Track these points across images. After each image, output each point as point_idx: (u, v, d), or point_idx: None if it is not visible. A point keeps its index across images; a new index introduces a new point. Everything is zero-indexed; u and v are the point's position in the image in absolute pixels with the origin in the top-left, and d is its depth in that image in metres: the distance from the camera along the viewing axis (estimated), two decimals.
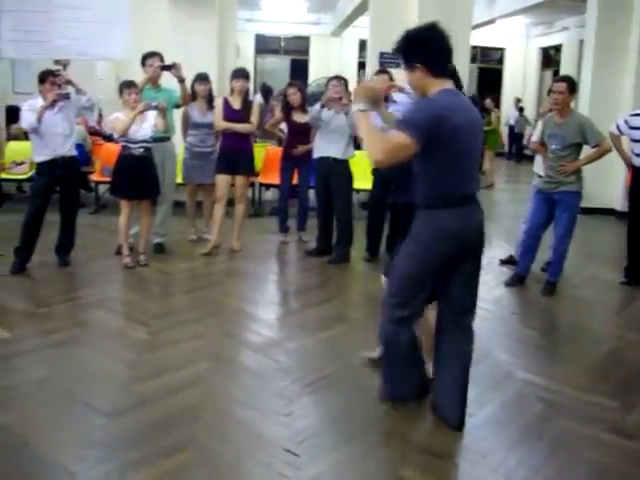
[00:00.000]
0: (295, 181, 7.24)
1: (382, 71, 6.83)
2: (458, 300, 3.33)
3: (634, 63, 9.45)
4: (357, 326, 4.93)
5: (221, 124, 6.53)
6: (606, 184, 9.43)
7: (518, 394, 3.86)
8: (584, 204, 5.91)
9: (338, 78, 6.57)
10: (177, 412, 3.45)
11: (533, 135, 6.54)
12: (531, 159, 7.92)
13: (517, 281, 6.00)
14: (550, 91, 5.79)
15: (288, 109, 7.04)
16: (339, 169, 6.54)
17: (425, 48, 3.15)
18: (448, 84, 3.17)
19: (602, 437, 3.40)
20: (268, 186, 9.11)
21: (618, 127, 6.14)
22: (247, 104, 6.61)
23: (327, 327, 4.85)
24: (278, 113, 7.57)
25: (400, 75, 4.00)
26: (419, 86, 3.22)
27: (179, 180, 7.12)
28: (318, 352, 4.41)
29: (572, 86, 5.58)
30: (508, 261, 6.63)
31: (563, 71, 14.93)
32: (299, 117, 6.96)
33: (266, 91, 11.96)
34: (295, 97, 6.96)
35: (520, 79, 19.39)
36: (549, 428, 3.48)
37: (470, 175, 3.24)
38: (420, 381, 3.54)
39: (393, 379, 3.53)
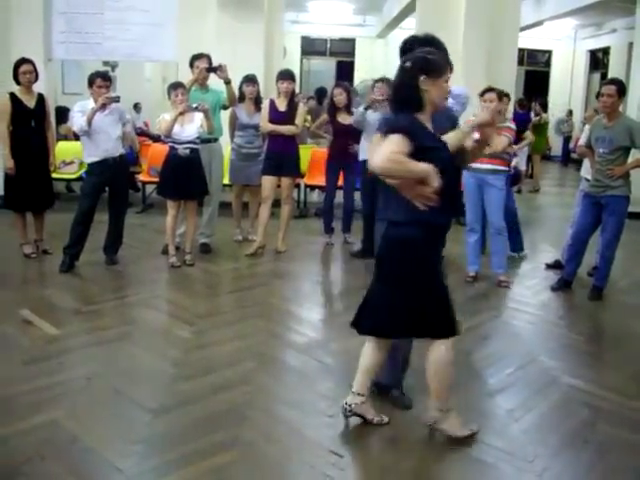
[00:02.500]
0: (341, 182, 7.26)
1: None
2: None
3: None
4: None
5: (267, 126, 6.58)
6: None
7: (564, 399, 3.81)
8: (632, 209, 5.80)
9: (383, 80, 6.56)
10: (222, 411, 3.49)
11: (580, 138, 6.45)
12: (578, 163, 7.81)
13: (563, 285, 5.92)
14: (599, 94, 5.70)
15: (333, 110, 7.06)
16: None
17: None
18: None
19: None
20: (313, 187, 9.15)
21: None
22: (293, 106, 6.64)
23: None
24: (324, 115, 7.60)
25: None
26: None
27: (226, 181, 7.19)
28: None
29: (621, 89, 5.50)
30: (554, 265, 6.55)
31: (611, 74, 14.65)
32: (344, 118, 6.97)
33: (320, 94, 12.00)
34: (340, 98, 6.98)
35: (567, 82, 19.08)
36: (595, 434, 3.43)
37: None
38: None
39: None
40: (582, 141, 6.11)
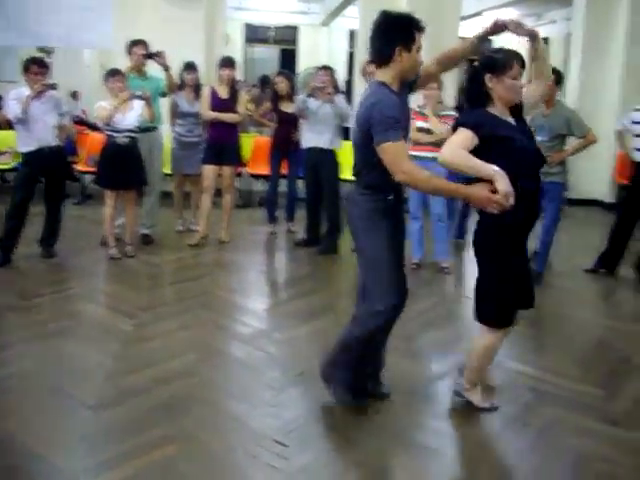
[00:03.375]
0: (284, 171, 7.21)
1: (372, 61, 6.80)
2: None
3: (621, 55, 9.44)
4: (346, 316, 4.82)
5: (208, 114, 6.47)
6: (592, 176, 9.41)
7: (507, 383, 3.86)
8: (571, 195, 5.93)
9: (325, 68, 6.53)
10: (165, 404, 3.43)
11: None
12: None
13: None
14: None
15: (276, 98, 6.99)
16: (327, 159, 6.51)
17: None
18: None
19: (588, 424, 3.42)
20: (257, 176, 9.08)
21: (623, 124, 6.18)
22: (234, 93, 6.55)
23: (316, 317, 4.83)
24: (267, 103, 7.53)
25: None
26: None
27: (166, 170, 7.07)
28: (307, 342, 4.40)
29: (558, 78, 5.61)
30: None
31: (551, 63, 14.89)
32: (286, 106, 6.93)
33: (263, 82, 11.88)
34: (282, 86, 6.92)
35: None
36: (536, 416, 3.50)
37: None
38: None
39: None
40: None
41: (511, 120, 3.19)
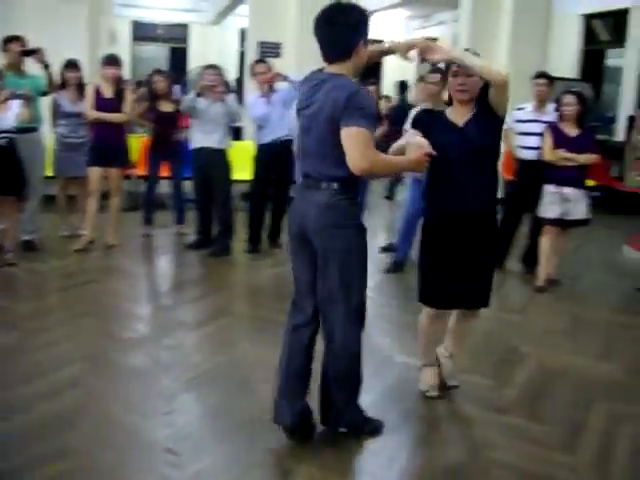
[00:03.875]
0: (164, 173, 7.09)
1: (261, 61, 6.79)
2: None
3: (504, 56, 9.85)
4: (238, 319, 4.87)
5: (92, 114, 6.24)
6: None
7: (399, 378, 3.93)
8: None
9: (213, 67, 6.46)
10: (51, 419, 3.27)
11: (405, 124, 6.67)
12: None
13: (396, 268, 6.12)
14: (422, 80, 5.97)
15: (153, 98, 6.83)
16: (218, 159, 6.41)
17: None
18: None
19: (480, 414, 3.55)
20: (146, 178, 8.84)
21: (507, 122, 6.39)
22: (120, 93, 6.36)
23: (208, 321, 4.76)
24: (145, 102, 7.30)
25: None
26: None
27: (49, 173, 6.78)
28: (198, 347, 4.34)
29: (445, 77, 5.74)
30: (388, 248, 6.74)
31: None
32: (165, 106, 6.81)
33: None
34: (161, 85, 6.79)
35: (400, 72, 19.81)
36: (429, 409, 3.58)
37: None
38: None
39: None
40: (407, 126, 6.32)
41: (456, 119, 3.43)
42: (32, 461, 2.91)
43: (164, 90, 6.81)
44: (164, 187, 7.32)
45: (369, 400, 3.56)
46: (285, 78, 6.31)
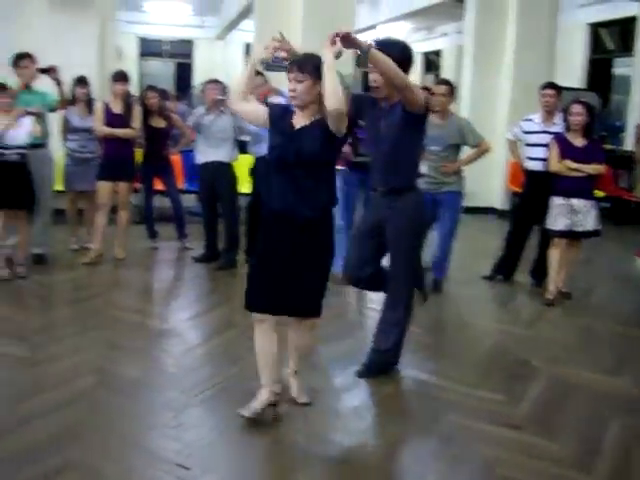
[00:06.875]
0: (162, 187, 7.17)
1: (258, 73, 6.81)
2: None
3: (510, 66, 9.82)
4: (246, 331, 4.83)
5: (102, 129, 6.30)
6: (487, 184, 9.74)
7: (406, 392, 3.91)
8: (467, 203, 6.08)
9: (215, 81, 6.50)
10: (59, 431, 3.27)
11: None
12: None
13: None
14: (431, 93, 5.94)
15: (146, 114, 6.85)
16: (224, 173, 6.44)
17: None
18: None
19: (490, 430, 3.48)
20: (154, 192, 8.86)
21: (514, 134, 6.38)
22: (128, 108, 6.41)
23: (216, 334, 4.77)
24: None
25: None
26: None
27: (59, 187, 6.81)
28: (207, 360, 4.33)
29: (451, 89, 5.76)
30: None
31: (443, 75, 15.39)
32: (157, 122, 6.85)
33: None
34: (153, 102, 6.84)
35: None
36: (438, 424, 3.54)
37: None
38: None
39: None
40: None
41: None
42: (39, 474, 2.90)
43: (156, 106, 6.86)
44: (166, 201, 7.33)
45: (377, 414, 3.56)
46: (279, 92, 6.33)
